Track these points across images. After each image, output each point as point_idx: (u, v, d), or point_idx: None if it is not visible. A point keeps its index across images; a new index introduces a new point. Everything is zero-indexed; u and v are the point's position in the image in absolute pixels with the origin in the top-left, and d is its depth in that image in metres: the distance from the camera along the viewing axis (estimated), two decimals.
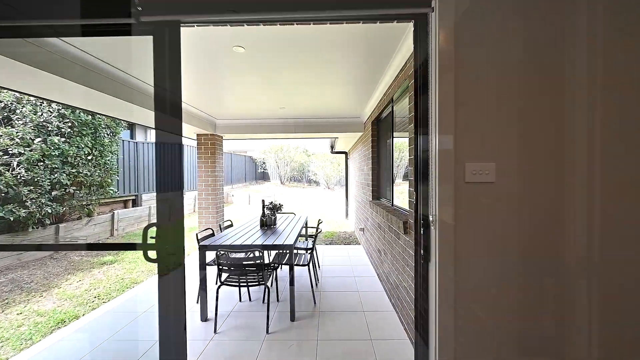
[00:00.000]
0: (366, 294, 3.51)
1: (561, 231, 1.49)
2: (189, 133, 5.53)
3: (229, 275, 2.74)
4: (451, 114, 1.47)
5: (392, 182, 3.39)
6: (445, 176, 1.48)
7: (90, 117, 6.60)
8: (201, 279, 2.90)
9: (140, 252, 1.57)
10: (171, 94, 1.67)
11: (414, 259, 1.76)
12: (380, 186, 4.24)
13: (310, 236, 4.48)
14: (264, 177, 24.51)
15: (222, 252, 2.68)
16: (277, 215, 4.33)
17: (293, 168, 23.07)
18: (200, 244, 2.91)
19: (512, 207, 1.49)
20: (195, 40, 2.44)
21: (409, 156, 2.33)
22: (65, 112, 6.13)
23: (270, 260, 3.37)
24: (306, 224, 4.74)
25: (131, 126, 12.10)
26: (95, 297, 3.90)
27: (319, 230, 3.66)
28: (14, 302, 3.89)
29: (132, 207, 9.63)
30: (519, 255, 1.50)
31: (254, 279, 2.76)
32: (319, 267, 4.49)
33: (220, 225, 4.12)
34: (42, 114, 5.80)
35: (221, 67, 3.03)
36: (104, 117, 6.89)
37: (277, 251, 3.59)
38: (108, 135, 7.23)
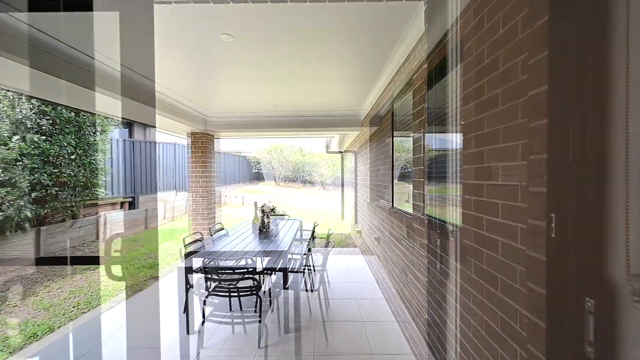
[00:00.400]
0: (365, 301, 3.11)
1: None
2: (179, 130, 4.91)
3: (217, 284, 2.17)
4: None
5: (392, 183, 2.80)
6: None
7: (73, 114, 5.98)
8: (187, 288, 2.33)
9: (122, 259, 0.93)
10: (142, 79, 1.15)
11: (422, 266, 1.43)
12: (378, 187, 3.68)
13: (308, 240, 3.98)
14: (258, 177, 23.86)
15: (209, 261, 2.09)
16: (271, 218, 3.82)
17: (288, 168, 22.42)
18: (186, 251, 2.34)
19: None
20: (180, 26, 2.08)
21: (414, 155, 1.71)
22: (46, 109, 5.51)
23: (264, 266, 2.84)
24: (301, 226, 4.23)
25: (129, 125, 11.48)
26: (74, 307, 3.30)
27: (315, 235, 3.17)
28: None
29: (129, 209, 9.02)
30: None
31: (245, 287, 2.24)
32: (314, 271, 3.90)
33: (210, 229, 3.53)
34: (20, 110, 5.19)
35: (209, 58, 2.55)
36: (88, 114, 6.28)
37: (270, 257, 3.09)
38: (94, 133, 6.62)
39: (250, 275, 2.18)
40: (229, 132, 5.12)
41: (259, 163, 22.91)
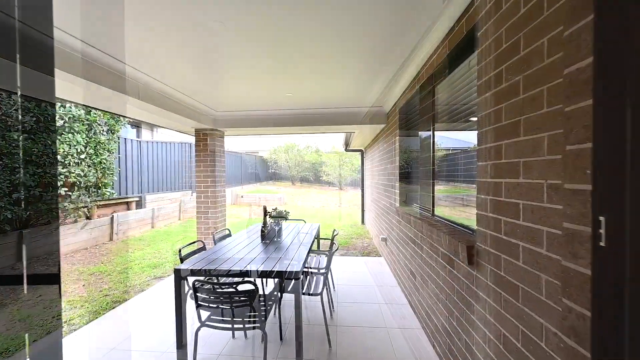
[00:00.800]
0: (396, 332, 2.71)
1: None
2: (186, 128, 4.89)
3: (211, 314, 2.02)
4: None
5: (433, 186, 2.58)
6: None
7: (82, 112, 6.09)
8: (177, 315, 2.18)
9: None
10: (109, 60, 1.02)
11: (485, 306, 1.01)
12: (410, 190, 3.43)
13: (323, 252, 3.70)
14: (274, 177, 23.93)
15: (199, 284, 1.95)
16: (282, 223, 3.62)
17: (304, 168, 22.34)
18: (175, 267, 2.20)
19: None
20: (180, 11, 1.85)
21: (478, 146, 1.55)
22: (29, 105, 5.53)
23: (271, 287, 2.65)
24: (318, 234, 3.99)
25: (137, 125, 11.72)
26: (65, 323, 3.29)
27: (335, 248, 2.87)
28: None
29: (136, 208, 9.18)
30: None
31: (247, 318, 2.03)
32: (334, 288, 3.72)
33: (213, 235, 3.42)
34: None
35: (210, 46, 2.36)
36: (99, 112, 6.38)
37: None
38: (104, 132, 6.72)
39: (251, 298, 1.96)
40: (239, 129, 5.05)
41: (275, 163, 22.95)
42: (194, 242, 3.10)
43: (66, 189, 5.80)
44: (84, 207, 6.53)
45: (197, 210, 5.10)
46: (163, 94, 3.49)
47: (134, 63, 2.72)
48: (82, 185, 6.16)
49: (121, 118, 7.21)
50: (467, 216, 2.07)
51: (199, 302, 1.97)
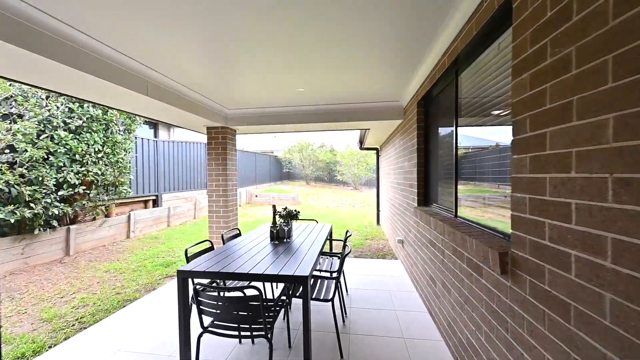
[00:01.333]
0: (415, 343, 2.50)
1: None
2: (198, 126, 4.84)
3: (214, 320, 1.89)
4: None
5: (456, 185, 2.35)
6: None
7: (100, 111, 6.19)
8: (180, 320, 2.07)
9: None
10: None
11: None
12: (430, 188, 3.20)
13: (335, 255, 3.52)
14: (289, 177, 23.93)
15: (201, 288, 1.82)
16: (293, 223, 3.47)
17: (319, 168, 22.18)
18: (179, 269, 2.09)
19: None
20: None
21: (514, 136, 1.34)
22: (73, 107, 5.73)
23: (279, 290, 2.50)
24: (330, 234, 3.81)
25: (155, 125, 11.96)
26: (77, 321, 3.28)
27: (348, 251, 2.68)
28: None
29: (153, 207, 9.33)
30: None
31: (253, 326, 1.89)
32: (347, 292, 3.53)
33: (222, 235, 3.32)
34: (49, 108, 5.42)
35: (226, 36, 2.19)
36: (115, 112, 6.48)
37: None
38: (121, 131, 6.82)
39: (254, 306, 1.80)
40: (251, 127, 4.96)
41: (290, 162, 22.94)
42: (202, 242, 3.01)
43: (84, 188, 5.91)
44: (101, 205, 6.66)
45: (208, 209, 5.05)
46: (174, 90, 3.42)
47: (143, 59, 2.65)
48: (99, 183, 6.27)
49: (137, 117, 7.32)
50: (491, 217, 1.84)
51: (200, 307, 1.84)
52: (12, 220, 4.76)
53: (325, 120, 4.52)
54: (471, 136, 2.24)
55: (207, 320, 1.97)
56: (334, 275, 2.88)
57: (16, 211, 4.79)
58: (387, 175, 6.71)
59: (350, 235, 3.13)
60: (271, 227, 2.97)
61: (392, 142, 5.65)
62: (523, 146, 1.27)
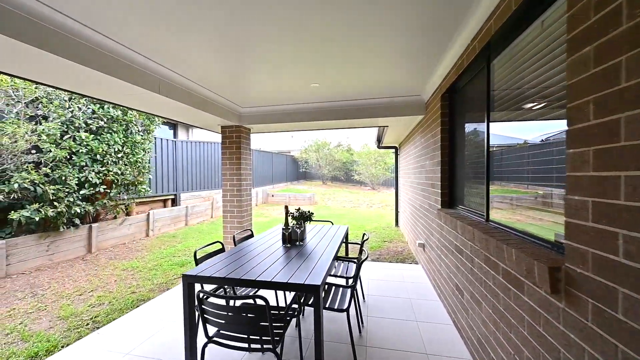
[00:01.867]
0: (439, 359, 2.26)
1: None
2: (212, 125, 4.79)
3: (219, 330, 1.75)
4: None
5: (487, 186, 2.08)
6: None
7: (120, 112, 6.31)
8: (186, 327, 1.95)
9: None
10: None
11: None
12: (455, 188, 2.93)
13: (351, 260, 3.31)
14: (305, 176, 23.85)
15: (204, 295, 1.68)
16: (309, 225, 3.30)
17: (335, 167, 21.92)
18: (185, 273, 1.96)
19: None
20: None
21: (569, 126, 1.09)
22: (94, 108, 5.86)
23: (291, 296, 2.32)
24: (346, 237, 3.61)
25: (174, 125, 12.20)
26: (91, 320, 3.27)
27: (365, 256, 2.47)
28: (14, 316, 3.46)
29: (171, 206, 9.48)
30: None
31: (262, 339, 1.73)
32: (363, 299, 3.31)
33: (234, 236, 3.21)
34: (72, 110, 5.57)
35: (241, 33, 2.07)
36: (135, 112, 6.59)
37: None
38: (140, 132, 6.93)
39: (261, 316, 1.66)
40: (265, 125, 4.84)
41: (306, 162, 22.86)
42: (213, 243, 2.90)
43: (105, 187, 6.03)
44: (122, 204, 6.80)
45: (223, 208, 4.98)
46: (186, 88, 3.34)
47: (154, 56, 2.57)
48: (119, 183, 6.39)
49: (156, 118, 7.42)
50: (531, 221, 1.58)
51: (204, 316, 1.70)
52: (37, 219, 4.91)
53: (341, 117, 4.32)
54: (501, 135, 1.97)
55: (212, 329, 1.83)
56: (350, 282, 2.68)
57: (41, 209, 4.95)
58: (407, 175, 6.40)
59: (367, 239, 2.92)
60: (283, 229, 2.82)
61: (412, 139, 5.36)
62: (583, 137, 1.02)
